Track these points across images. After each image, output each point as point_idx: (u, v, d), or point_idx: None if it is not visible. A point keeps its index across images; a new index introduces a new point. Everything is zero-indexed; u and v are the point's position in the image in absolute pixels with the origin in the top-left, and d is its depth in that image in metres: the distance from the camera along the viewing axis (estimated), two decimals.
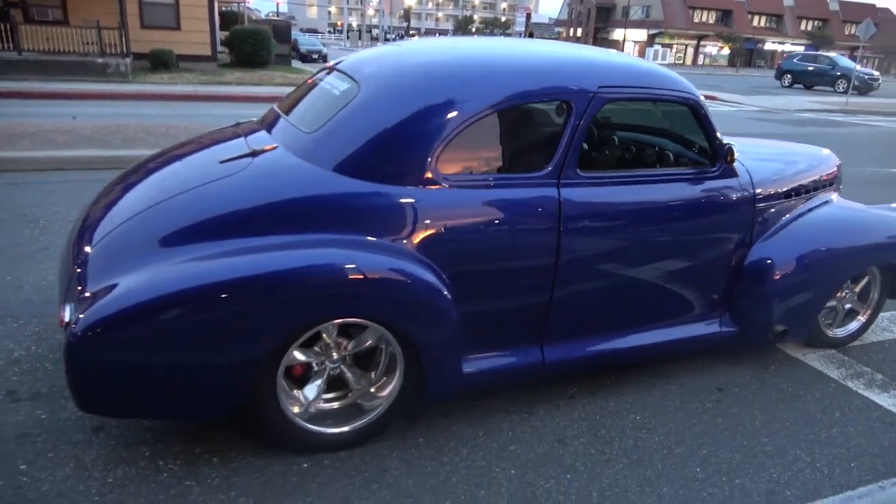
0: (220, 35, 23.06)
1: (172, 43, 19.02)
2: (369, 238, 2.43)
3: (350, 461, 2.56)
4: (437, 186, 2.52)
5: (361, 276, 2.32)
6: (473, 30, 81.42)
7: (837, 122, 16.75)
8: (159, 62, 18.29)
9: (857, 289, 3.71)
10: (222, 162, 2.62)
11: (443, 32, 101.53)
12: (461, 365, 2.65)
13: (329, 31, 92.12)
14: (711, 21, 61.25)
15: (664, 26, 59.46)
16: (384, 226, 2.46)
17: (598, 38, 63.04)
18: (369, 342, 2.58)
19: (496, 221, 2.60)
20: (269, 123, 3.02)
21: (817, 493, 2.56)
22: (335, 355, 2.57)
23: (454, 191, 2.55)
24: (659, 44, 59.39)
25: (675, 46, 61.37)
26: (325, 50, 35.05)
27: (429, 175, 2.51)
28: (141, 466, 2.46)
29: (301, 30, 65.93)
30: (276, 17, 40.91)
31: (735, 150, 3.08)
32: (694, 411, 3.06)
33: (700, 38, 61.22)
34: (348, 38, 70.62)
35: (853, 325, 3.76)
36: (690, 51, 62.92)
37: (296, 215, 2.40)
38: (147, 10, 19.23)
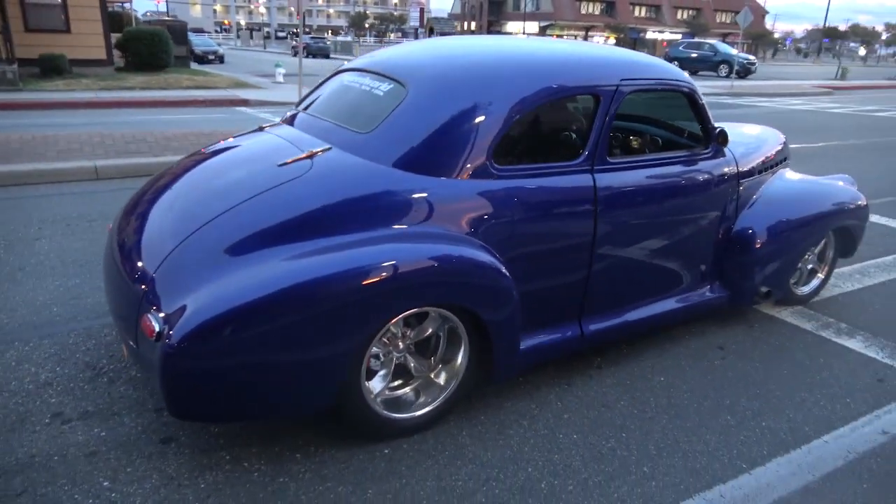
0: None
1: (63, 47, 17.79)
2: (440, 229, 2.57)
3: (426, 443, 2.70)
4: (491, 178, 2.70)
5: (446, 266, 2.47)
6: (367, 25, 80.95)
7: (727, 105, 18.15)
8: (51, 68, 17.07)
9: (817, 250, 4.21)
10: (281, 165, 2.66)
11: (335, 29, 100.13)
12: (520, 343, 2.84)
13: (216, 31, 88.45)
14: (597, 12, 64.15)
15: (554, 18, 61.68)
16: (450, 217, 2.61)
17: (492, 30, 64.41)
18: (429, 330, 2.72)
19: (542, 207, 2.81)
20: (304, 125, 3.07)
21: (830, 425, 2.95)
22: (401, 345, 2.69)
23: (505, 181, 2.73)
24: (550, 35, 61.53)
25: (565, 37, 63.76)
26: (220, 50, 33.82)
27: (484, 168, 2.68)
28: (227, 470, 2.49)
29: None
30: (168, 18, 38.94)
31: (727, 133, 3.45)
32: (706, 369, 3.41)
33: (588, 28, 63.99)
34: (238, 37, 68.33)
35: (815, 283, 4.27)
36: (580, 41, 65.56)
37: (374, 211, 2.50)
38: (31, 11, 17.83)
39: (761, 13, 68.77)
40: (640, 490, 2.48)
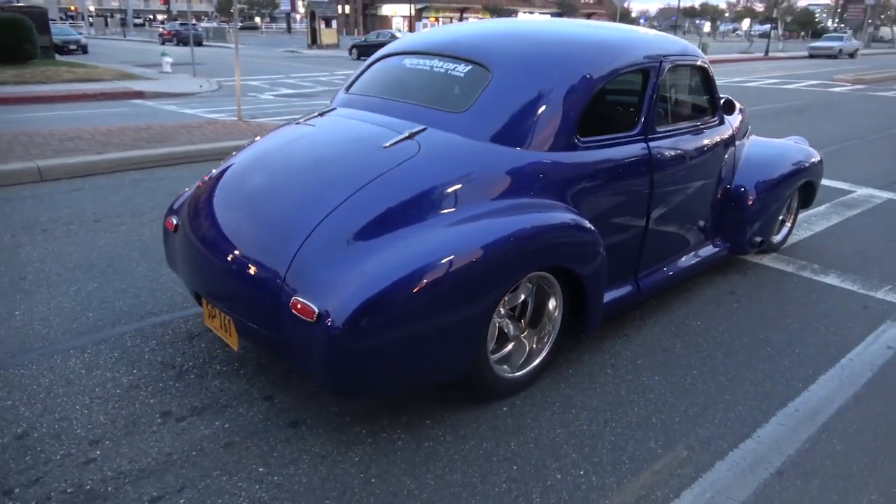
0: None
1: None
2: (545, 198, 2.79)
3: (535, 398, 2.92)
4: (578, 149, 2.94)
5: (559, 231, 2.71)
6: (232, 11, 77.23)
7: None
8: None
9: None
10: (387, 147, 2.75)
11: (198, 15, 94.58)
12: (604, 297, 3.12)
13: (62, 18, 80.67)
14: None
15: (429, 0, 61.98)
16: (551, 186, 2.84)
17: (367, 13, 63.77)
18: (522, 297, 2.94)
19: (615, 173, 3.10)
20: (377, 107, 3.13)
21: (847, 347, 3.48)
22: (502, 311, 2.89)
23: (588, 152, 2.99)
24: (426, 17, 61.89)
25: (441, 20, 64.40)
26: (83, 39, 31.21)
27: (572, 140, 2.92)
28: (370, 443, 2.59)
29: None
30: (20, 3, 35.15)
31: (734, 101, 3.89)
32: (729, 311, 3.86)
33: (463, 10, 64.92)
34: (91, 25, 62.92)
35: (784, 232, 4.88)
36: (456, 22, 66.43)
37: (491, 184, 2.69)
38: None
39: None
40: (733, 414, 2.85)
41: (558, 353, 3.21)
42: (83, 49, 30.32)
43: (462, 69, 3.05)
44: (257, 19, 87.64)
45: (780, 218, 4.81)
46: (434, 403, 2.83)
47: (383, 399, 2.85)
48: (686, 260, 3.89)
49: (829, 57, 37.79)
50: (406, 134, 2.80)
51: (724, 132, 3.97)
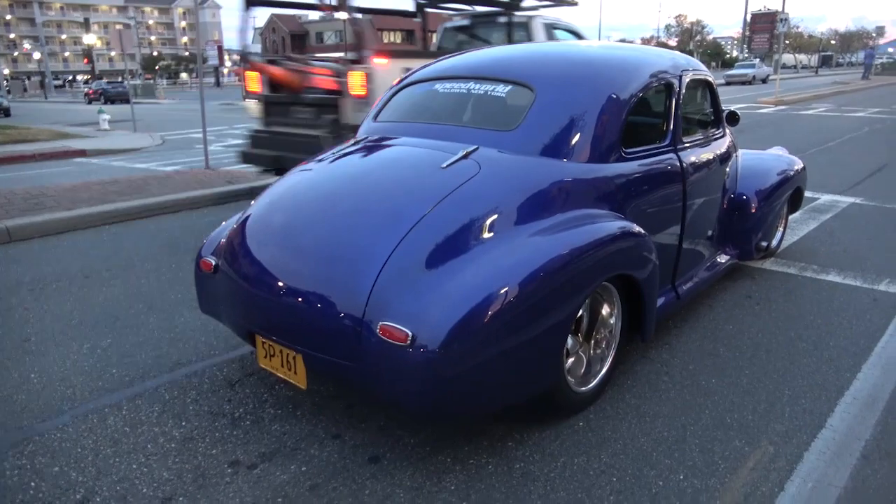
0: None
1: None
2: (600, 208, 2.83)
3: (606, 410, 2.90)
4: (623, 161, 3.01)
5: (621, 239, 2.74)
6: (158, 67, 76.26)
7: None
8: None
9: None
10: (444, 167, 2.73)
11: (118, 73, 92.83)
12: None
13: None
14: (398, 40, 66.41)
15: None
16: (605, 196, 2.89)
17: None
18: (580, 312, 2.94)
19: (655, 183, 3.19)
20: (418, 132, 3.12)
21: (874, 336, 3.62)
22: None
23: (631, 162, 3.06)
24: None
25: None
26: (5, 102, 30.11)
27: (619, 152, 2.99)
28: (459, 471, 2.50)
29: None
30: None
31: (738, 113, 4.07)
32: (754, 314, 3.97)
33: None
34: (8, 89, 60.57)
35: (779, 235, 5.08)
36: None
37: (555, 196, 2.73)
38: None
39: None
40: (799, 407, 2.90)
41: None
42: (5, 112, 29.28)
43: (503, 90, 3.09)
44: (183, 75, 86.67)
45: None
46: (508, 425, 2.77)
47: (457, 425, 2.76)
48: (710, 266, 4.00)
49: (743, 83, 40.24)
50: (462, 154, 2.79)
51: (728, 143, 4.14)
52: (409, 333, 2.21)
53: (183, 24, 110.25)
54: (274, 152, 6.32)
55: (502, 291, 2.31)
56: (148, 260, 5.26)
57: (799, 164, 5.05)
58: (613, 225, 2.76)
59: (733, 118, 4.14)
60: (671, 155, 3.33)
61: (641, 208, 3.09)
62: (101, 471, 2.53)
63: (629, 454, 2.58)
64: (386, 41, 64.74)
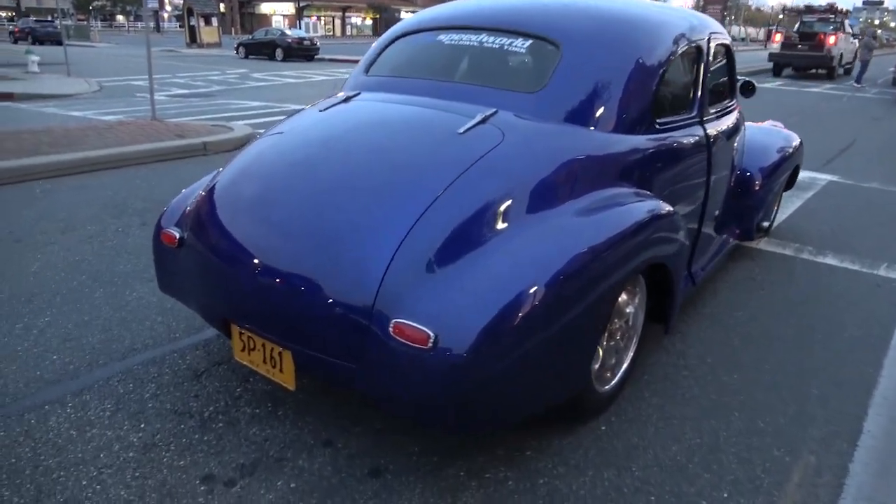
0: None
1: None
2: (632, 186, 2.49)
3: (628, 413, 2.61)
4: (655, 132, 2.67)
5: (659, 221, 2.42)
6: (92, 8, 71.37)
7: None
8: None
9: None
10: (462, 133, 2.32)
11: (49, 11, 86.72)
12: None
13: None
14: None
15: None
16: (635, 172, 2.56)
17: (244, 11, 61.08)
18: None
19: (685, 156, 2.88)
20: (422, 89, 2.68)
21: (887, 325, 3.45)
22: None
23: (663, 133, 2.72)
24: (307, 16, 60.21)
25: (323, 18, 62.96)
26: None
27: (651, 122, 2.64)
28: (474, 486, 2.17)
29: None
30: None
31: (754, 83, 3.77)
32: (762, 299, 3.75)
33: (345, 9, 63.76)
34: None
35: (773, 215, 4.88)
36: (338, 21, 65.22)
37: (590, 173, 2.37)
38: None
39: None
40: (831, 409, 2.68)
41: None
42: None
43: (521, 44, 2.67)
44: (120, 17, 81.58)
45: None
46: (522, 431, 2.44)
47: (463, 436, 2.42)
48: (719, 249, 3.74)
49: None
50: (479, 118, 2.38)
51: (739, 112, 3.85)
52: (431, 334, 1.84)
53: None
54: None
55: (537, 286, 1.96)
56: (89, 222, 4.67)
57: (797, 140, 4.83)
58: (649, 205, 2.43)
59: (749, 88, 3.84)
60: (697, 127, 3.01)
61: (669, 186, 2.77)
62: (42, 489, 2.09)
63: (663, 466, 2.30)
64: None
